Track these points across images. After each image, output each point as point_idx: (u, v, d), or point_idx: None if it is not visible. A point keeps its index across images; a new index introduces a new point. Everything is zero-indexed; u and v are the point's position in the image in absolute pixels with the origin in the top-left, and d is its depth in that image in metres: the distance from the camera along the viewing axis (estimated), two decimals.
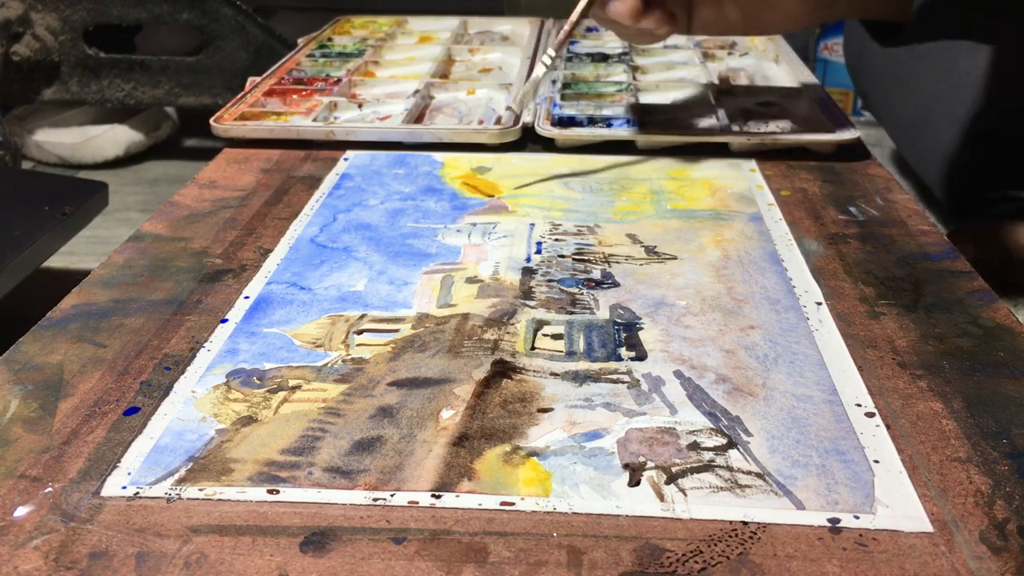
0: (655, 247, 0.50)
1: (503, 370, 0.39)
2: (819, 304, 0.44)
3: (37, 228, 0.63)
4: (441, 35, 0.89)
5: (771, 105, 0.71)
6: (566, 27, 0.57)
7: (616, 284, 0.46)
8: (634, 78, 0.75)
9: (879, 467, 0.33)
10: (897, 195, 0.56)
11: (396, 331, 0.42)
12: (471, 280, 0.47)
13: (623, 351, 0.40)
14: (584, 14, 0.56)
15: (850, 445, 0.34)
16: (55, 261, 0.78)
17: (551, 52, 0.58)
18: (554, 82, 0.74)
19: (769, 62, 0.82)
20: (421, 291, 0.46)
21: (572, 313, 0.43)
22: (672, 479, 0.33)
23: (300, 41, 0.87)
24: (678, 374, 0.39)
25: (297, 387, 0.38)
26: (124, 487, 0.32)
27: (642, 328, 0.42)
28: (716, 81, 0.74)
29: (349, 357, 0.40)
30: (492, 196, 0.56)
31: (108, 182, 0.74)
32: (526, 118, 0.65)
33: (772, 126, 0.66)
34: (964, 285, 0.46)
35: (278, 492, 0.32)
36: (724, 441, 0.35)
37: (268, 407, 0.37)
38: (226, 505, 0.31)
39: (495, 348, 0.41)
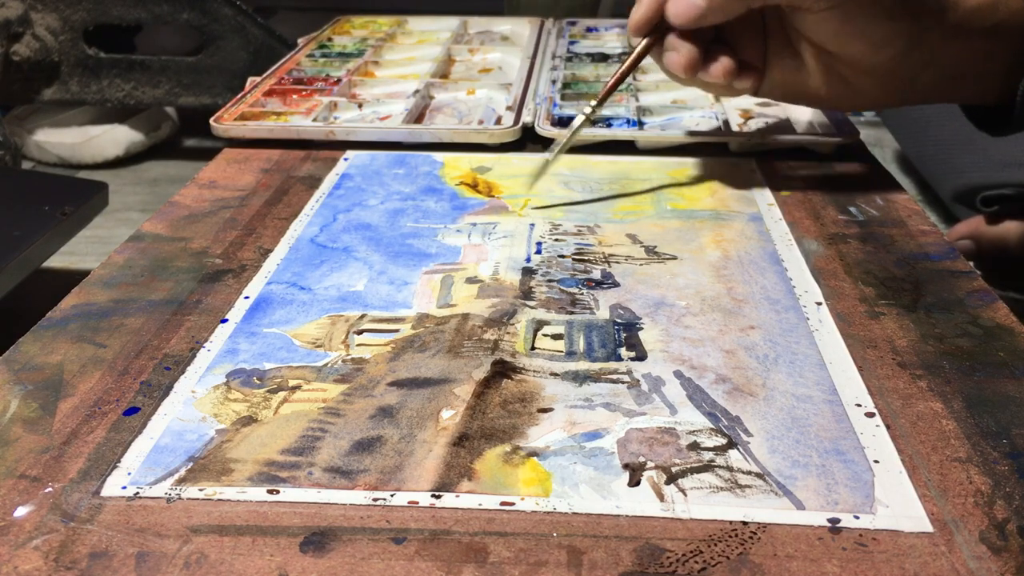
0: (655, 247, 0.50)
1: (503, 370, 0.39)
2: (819, 304, 0.44)
3: (37, 228, 0.63)
4: (441, 35, 0.89)
5: (771, 105, 0.71)
6: (612, 79, 0.54)
7: (616, 284, 0.46)
8: (634, 78, 0.75)
9: (879, 467, 0.33)
10: (897, 195, 0.56)
11: (396, 331, 0.42)
12: (471, 280, 0.47)
13: (623, 351, 0.40)
14: (634, 66, 0.54)
15: (850, 445, 0.34)
16: (55, 261, 0.78)
17: (591, 103, 0.55)
18: (554, 82, 0.74)
19: None
20: (421, 291, 0.46)
21: (572, 313, 0.43)
22: (672, 479, 0.33)
23: (300, 41, 0.87)
24: (678, 374, 0.39)
25: (297, 387, 0.38)
26: (124, 487, 0.32)
27: (642, 328, 0.42)
28: None
29: (349, 357, 0.40)
30: (493, 196, 0.56)
31: (108, 182, 0.74)
32: (526, 118, 0.65)
33: (772, 126, 0.66)
34: (964, 285, 0.46)
35: (278, 492, 0.32)
36: (724, 441, 0.35)
37: (268, 407, 0.37)
38: (226, 505, 0.31)
39: (495, 348, 0.41)
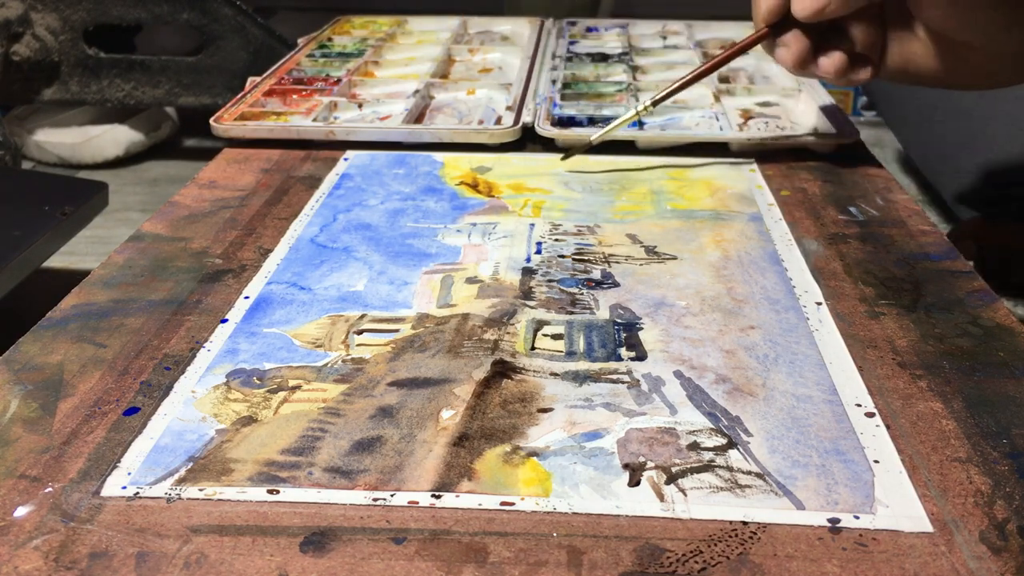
0: (655, 247, 0.50)
1: (503, 370, 0.39)
2: (819, 304, 0.44)
3: (37, 228, 0.63)
4: (441, 35, 0.89)
5: (771, 105, 0.71)
6: (702, 68, 0.56)
7: (616, 284, 0.46)
8: (634, 78, 0.75)
9: (879, 467, 0.33)
10: (897, 195, 0.56)
11: (396, 331, 0.42)
12: (471, 280, 0.47)
13: (623, 351, 0.40)
14: (735, 55, 0.55)
15: (850, 445, 0.34)
16: (55, 261, 0.78)
17: (650, 99, 0.58)
18: (554, 82, 0.74)
19: (769, 62, 0.82)
20: (421, 291, 0.46)
21: (572, 313, 0.43)
22: (672, 479, 0.33)
23: (300, 41, 0.87)
24: (678, 374, 0.39)
25: (297, 387, 0.38)
26: (124, 487, 0.32)
27: (642, 328, 0.42)
28: (716, 81, 0.74)
29: (349, 357, 0.40)
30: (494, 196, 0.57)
31: (108, 182, 0.75)
32: (526, 118, 0.65)
33: (772, 126, 0.66)
34: (964, 285, 0.46)
35: (278, 492, 0.32)
36: (724, 441, 0.35)
37: (268, 407, 0.37)
38: (226, 505, 0.31)
39: (495, 348, 0.41)
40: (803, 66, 0.50)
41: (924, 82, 0.52)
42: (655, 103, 0.57)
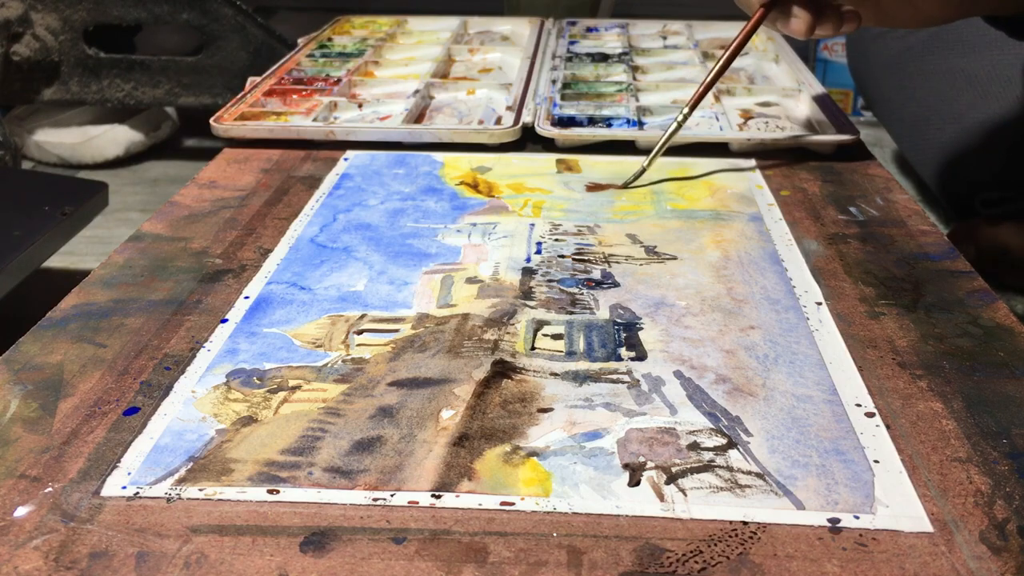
0: (655, 247, 0.50)
1: (503, 370, 0.39)
2: (819, 304, 0.44)
3: (37, 228, 0.63)
4: (441, 35, 0.89)
5: (771, 105, 0.71)
6: (724, 56, 0.58)
7: (616, 284, 0.46)
8: (634, 78, 0.75)
9: (879, 467, 0.33)
10: (897, 195, 0.56)
11: (396, 331, 0.42)
12: (471, 280, 0.47)
13: (623, 351, 0.40)
14: (744, 43, 0.58)
15: (850, 445, 0.34)
16: (55, 261, 0.78)
17: (685, 110, 0.58)
18: (554, 82, 0.74)
19: (769, 62, 0.82)
20: (421, 291, 0.46)
21: (572, 313, 0.43)
22: (672, 479, 0.33)
23: (300, 41, 0.87)
24: (678, 374, 0.39)
25: (297, 387, 0.38)
26: (124, 487, 0.32)
27: (642, 328, 0.42)
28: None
29: (349, 357, 0.40)
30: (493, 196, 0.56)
31: (108, 182, 0.75)
32: (526, 118, 0.65)
33: (772, 126, 0.66)
34: (964, 285, 0.46)
35: (278, 492, 0.32)
36: (724, 441, 0.35)
37: (268, 407, 0.37)
38: (226, 505, 0.31)
39: (495, 348, 0.41)
40: (812, 31, 0.56)
41: (883, 24, 0.58)
42: (691, 109, 0.58)
